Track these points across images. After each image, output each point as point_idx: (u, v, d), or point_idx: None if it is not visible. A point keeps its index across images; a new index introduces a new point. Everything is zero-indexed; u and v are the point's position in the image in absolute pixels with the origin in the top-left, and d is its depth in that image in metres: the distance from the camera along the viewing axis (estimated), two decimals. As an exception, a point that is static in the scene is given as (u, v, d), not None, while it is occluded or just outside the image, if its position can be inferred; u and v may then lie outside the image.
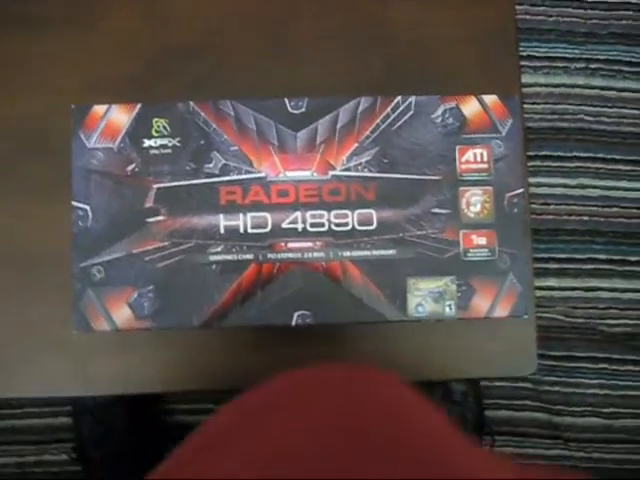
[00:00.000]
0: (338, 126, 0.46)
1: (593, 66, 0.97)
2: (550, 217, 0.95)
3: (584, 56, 0.96)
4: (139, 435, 0.84)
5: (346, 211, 0.46)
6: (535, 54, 0.97)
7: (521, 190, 0.47)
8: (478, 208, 0.47)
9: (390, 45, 0.55)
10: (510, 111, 0.47)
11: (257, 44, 0.55)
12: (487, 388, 0.90)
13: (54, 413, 0.88)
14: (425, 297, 0.46)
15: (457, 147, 0.47)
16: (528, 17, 0.97)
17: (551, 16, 0.96)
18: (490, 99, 0.47)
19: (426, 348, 0.52)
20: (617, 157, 0.96)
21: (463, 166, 0.47)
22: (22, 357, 0.53)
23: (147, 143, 0.46)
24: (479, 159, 0.47)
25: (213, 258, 0.45)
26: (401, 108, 0.47)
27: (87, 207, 0.46)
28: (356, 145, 0.46)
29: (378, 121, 0.47)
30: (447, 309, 0.46)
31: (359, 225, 0.46)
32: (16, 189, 0.54)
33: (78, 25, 0.56)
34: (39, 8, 0.56)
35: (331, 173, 0.46)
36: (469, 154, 0.47)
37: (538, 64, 0.97)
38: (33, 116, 0.54)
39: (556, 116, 0.96)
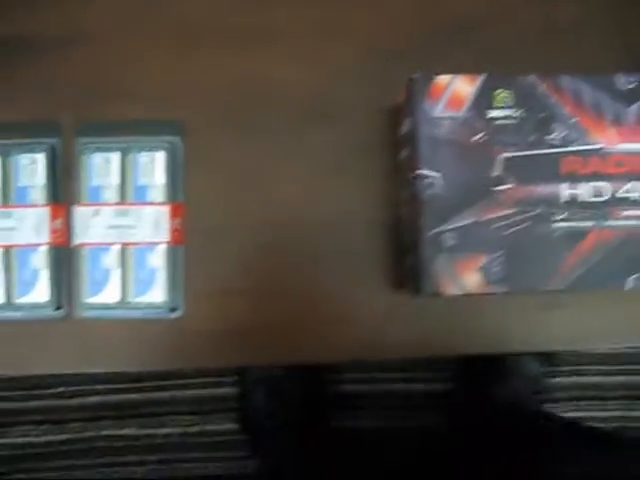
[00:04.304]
0: (666, 102, 0.49)
1: None
2: None
3: None
4: (310, 406, 0.85)
5: (676, 182, 0.49)
6: None
7: None
8: None
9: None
10: None
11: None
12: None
13: (217, 383, 0.88)
14: None
15: None
16: None
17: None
18: None
19: None
20: None
21: None
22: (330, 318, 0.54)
23: (491, 114, 0.48)
24: None
25: (556, 225, 0.48)
26: None
27: (437, 174, 0.47)
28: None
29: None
30: None
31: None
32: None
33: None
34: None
35: (660, 146, 0.49)
36: None
37: None
38: (312, 82, 0.55)
39: None
